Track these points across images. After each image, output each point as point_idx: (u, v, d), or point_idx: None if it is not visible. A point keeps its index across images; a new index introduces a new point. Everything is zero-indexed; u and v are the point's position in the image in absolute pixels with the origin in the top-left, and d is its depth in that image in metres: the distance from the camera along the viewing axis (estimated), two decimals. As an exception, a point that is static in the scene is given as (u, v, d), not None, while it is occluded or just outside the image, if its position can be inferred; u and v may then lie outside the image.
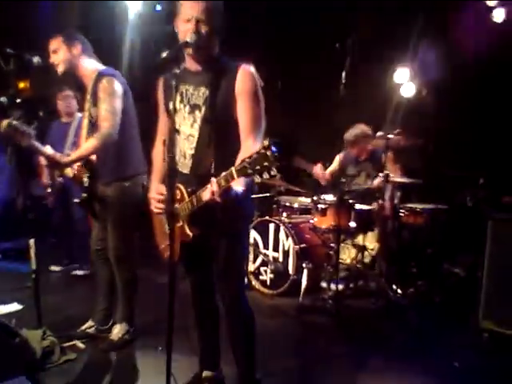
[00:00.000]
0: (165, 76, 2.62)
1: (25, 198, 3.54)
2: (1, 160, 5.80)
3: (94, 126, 3.31)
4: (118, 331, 3.50)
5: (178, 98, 2.55)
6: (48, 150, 3.17)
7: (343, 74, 3.90)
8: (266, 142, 1.98)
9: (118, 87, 3.27)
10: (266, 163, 1.96)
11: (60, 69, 3.34)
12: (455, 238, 4.89)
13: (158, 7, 6.70)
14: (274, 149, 1.96)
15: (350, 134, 4.93)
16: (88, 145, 3.19)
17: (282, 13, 6.28)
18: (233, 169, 2.09)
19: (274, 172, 1.97)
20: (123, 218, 3.40)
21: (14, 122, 3.06)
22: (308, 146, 5.36)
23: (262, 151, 1.97)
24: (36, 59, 3.25)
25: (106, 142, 3.19)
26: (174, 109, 2.34)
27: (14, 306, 4.13)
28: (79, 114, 5.03)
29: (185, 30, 2.38)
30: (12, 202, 5.73)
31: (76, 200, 3.36)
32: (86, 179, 3.36)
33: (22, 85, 3.66)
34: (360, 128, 4.94)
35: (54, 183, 4.91)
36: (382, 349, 3.67)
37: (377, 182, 4.78)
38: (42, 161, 3.24)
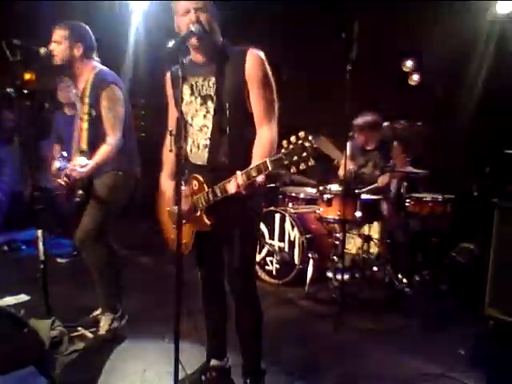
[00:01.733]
0: (171, 70, 2.63)
1: (32, 189, 3.56)
2: (7, 151, 5.85)
3: (95, 128, 3.34)
4: (103, 324, 3.51)
5: (188, 91, 2.55)
6: (68, 171, 3.28)
7: (348, 64, 3.87)
8: (303, 133, 1.98)
9: (120, 95, 3.37)
10: (304, 154, 1.97)
11: (56, 61, 3.35)
12: (461, 227, 4.88)
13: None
14: (311, 138, 1.96)
15: (358, 121, 4.93)
16: (103, 152, 3.29)
17: (286, 1, 6.26)
18: (267, 159, 2.08)
19: (311, 162, 1.97)
20: (107, 203, 3.43)
21: (61, 165, 3.35)
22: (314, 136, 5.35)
23: (300, 142, 1.97)
24: (43, 50, 3.25)
25: (118, 148, 3.32)
26: (182, 98, 2.35)
27: (22, 297, 4.16)
28: None
29: (185, 23, 2.37)
30: (19, 193, 5.78)
31: (76, 199, 3.38)
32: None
33: (28, 76, 3.67)
34: (369, 115, 4.94)
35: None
36: (388, 338, 3.69)
37: (381, 180, 4.79)
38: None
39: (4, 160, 5.89)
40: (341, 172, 5.08)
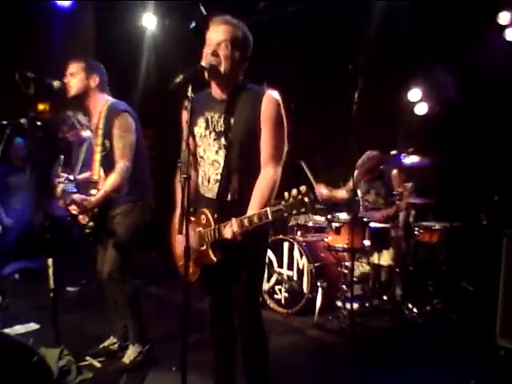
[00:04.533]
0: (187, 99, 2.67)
1: (43, 217, 3.61)
2: (18, 179, 5.93)
3: (108, 158, 3.38)
4: (130, 353, 3.50)
5: (204, 125, 2.59)
6: (77, 198, 3.28)
7: (356, 94, 3.93)
8: (304, 188, 2.03)
9: (132, 123, 3.41)
10: (303, 209, 2.01)
11: (72, 92, 3.43)
12: (470, 256, 4.86)
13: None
14: (311, 196, 2.01)
15: (360, 163, 4.97)
16: (111, 181, 3.30)
17: (294, 34, 6.37)
18: (268, 209, 2.13)
19: (311, 216, 2.03)
20: (126, 235, 3.45)
21: (66, 188, 3.39)
22: (321, 165, 5.40)
23: (300, 197, 2.01)
24: (56, 83, 3.34)
25: (126, 177, 3.32)
26: (190, 132, 2.39)
27: (32, 326, 4.17)
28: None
29: (205, 54, 2.44)
30: (30, 221, 5.83)
31: (87, 231, 3.41)
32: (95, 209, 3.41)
33: (41, 107, 3.76)
34: (371, 156, 4.99)
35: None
36: (398, 368, 3.65)
37: (379, 216, 4.83)
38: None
39: (16, 188, 5.96)
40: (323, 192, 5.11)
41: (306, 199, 2.00)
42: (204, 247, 2.53)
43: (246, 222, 2.26)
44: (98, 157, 3.42)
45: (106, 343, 3.71)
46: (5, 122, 3.46)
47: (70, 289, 5.44)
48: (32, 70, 3.25)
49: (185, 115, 2.70)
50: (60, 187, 3.43)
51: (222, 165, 2.54)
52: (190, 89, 2.32)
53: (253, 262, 2.60)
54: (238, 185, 2.50)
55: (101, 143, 3.39)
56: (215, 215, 2.49)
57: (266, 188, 2.40)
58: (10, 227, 5.73)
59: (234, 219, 2.27)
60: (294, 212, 2.03)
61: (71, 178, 3.54)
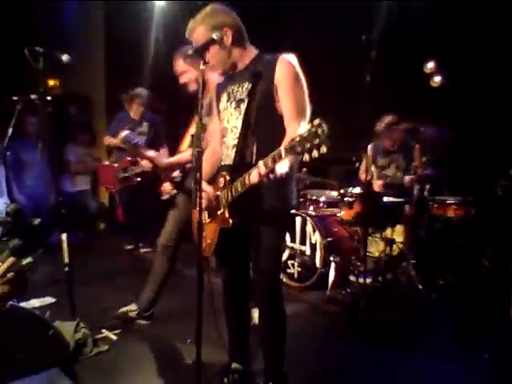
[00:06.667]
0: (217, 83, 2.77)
1: (57, 193, 3.62)
2: (31, 156, 5.95)
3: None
4: (128, 307, 3.73)
5: (226, 98, 2.67)
6: (150, 152, 3.43)
7: (369, 67, 3.87)
8: (317, 121, 1.96)
9: None
10: (316, 140, 1.94)
11: (192, 88, 3.49)
12: (486, 230, 4.82)
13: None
14: (324, 126, 1.94)
15: (380, 125, 4.93)
16: (188, 154, 3.47)
17: (307, 6, 6.27)
18: (282, 148, 2.08)
19: (323, 149, 1.95)
20: (187, 210, 3.51)
21: (127, 137, 3.44)
22: (335, 138, 5.34)
23: (313, 129, 1.95)
24: (65, 57, 3.31)
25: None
26: (202, 105, 2.39)
27: (48, 300, 4.22)
28: None
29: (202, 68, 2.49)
30: (45, 197, 5.87)
31: (166, 197, 3.52)
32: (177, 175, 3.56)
33: (52, 82, 3.74)
34: (389, 118, 4.94)
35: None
36: (411, 342, 3.66)
37: (408, 178, 4.78)
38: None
39: (29, 164, 5.99)
40: (362, 176, 5.08)
41: (319, 130, 1.93)
42: (221, 210, 2.54)
43: (264, 164, 2.20)
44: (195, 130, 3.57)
45: (125, 309, 3.79)
46: (15, 98, 3.45)
47: (128, 247, 5.99)
48: (40, 45, 3.23)
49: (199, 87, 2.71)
50: (123, 133, 3.40)
51: (239, 129, 2.57)
52: (202, 62, 2.32)
53: (271, 225, 2.57)
54: (256, 149, 2.49)
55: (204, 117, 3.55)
56: (232, 177, 2.49)
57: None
58: (22, 204, 5.77)
59: (260, 162, 2.22)
60: (308, 146, 1.94)
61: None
